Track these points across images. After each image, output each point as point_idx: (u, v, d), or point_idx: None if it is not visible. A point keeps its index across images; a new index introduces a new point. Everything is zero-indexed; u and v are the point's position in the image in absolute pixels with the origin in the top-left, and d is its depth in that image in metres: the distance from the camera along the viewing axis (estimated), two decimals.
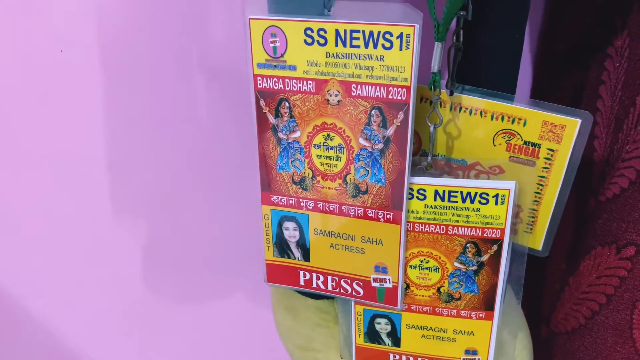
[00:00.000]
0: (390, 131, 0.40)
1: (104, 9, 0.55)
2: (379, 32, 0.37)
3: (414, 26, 0.36)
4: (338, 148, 0.43)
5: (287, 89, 0.42)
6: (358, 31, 0.38)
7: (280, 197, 0.46)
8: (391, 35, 0.37)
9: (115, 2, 0.55)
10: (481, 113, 0.39)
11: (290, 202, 0.46)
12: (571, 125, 0.36)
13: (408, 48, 0.37)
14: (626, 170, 0.43)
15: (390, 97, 0.39)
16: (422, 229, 0.42)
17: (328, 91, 0.41)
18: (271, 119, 0.43)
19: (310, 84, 0.41)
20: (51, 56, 0.58)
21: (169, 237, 0.69)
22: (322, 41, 0.39)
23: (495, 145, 0.40)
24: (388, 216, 0.43)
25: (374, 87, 0.39)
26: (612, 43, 0.47)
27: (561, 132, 0.36)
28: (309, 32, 0.39)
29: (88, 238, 0.68)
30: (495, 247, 0.41)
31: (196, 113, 0.61)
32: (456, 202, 0.40)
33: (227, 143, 0.62)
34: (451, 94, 0.39)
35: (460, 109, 0.40)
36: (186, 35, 0.56)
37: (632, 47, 0.44)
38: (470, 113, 0.40)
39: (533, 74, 0.55)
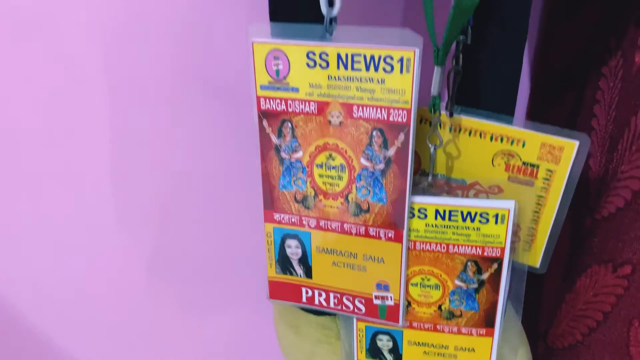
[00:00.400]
0: (391, 152, 0.41)
1: (108, 27, 0.56)
2: (379, 56, 0.38)
3: (414, 50, 0.37)
4: (340, 168, 0.43)
5: (289, 110, 0.43)
6: (359, 55, 0.39)
7: (283, 215, 0.46)
8: (392, 59, 0.38)
9: (118, 20, 0.56)
10: (480, 134, 0.40)
11: (293, 220, 0.46)
12: (569, 147, 0.37)
13: (408, 72, 0.38)
14: (622, 190, 0.43)
15: (391, 119, 0.40)
16: (423, 247, 0.43)
17: (330, 112, 0.42)
18: (274, 139, 0.44)
19: (312, 106, 0.42)
20: (55, 72, 0.58)
21: (171, 252, 0.69)
22: (324, 64, 0.40)
23: (494, 166, 0.40)
24: (389, 235, 0.43)
25: (375, 109, 0.40)
26: (606, 63, 0.48)
27: (559, 154, 0.37)
28: (311, 55, 0.40)
29: (91, 250, 0.68)
30: (495, 266, 0.42)
31: (199, 130, 0.62)
32: (457, 221, 0.41)
33: (230, 160, 0.63)
34: (451, 115, 0.40)
35: (460, 129, 0.41)
36: (190, 53, 0.57)
37: (626, 68, 0.46)
38: (470, 134, 0.40)
39: (530, 92, 0.56)
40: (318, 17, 0.39)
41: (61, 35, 0.57)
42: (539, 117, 0.56)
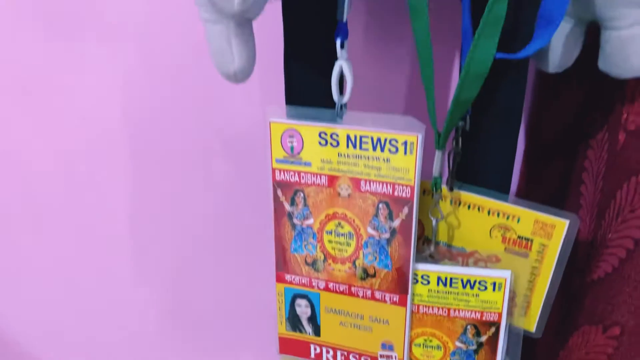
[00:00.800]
0: (396, 223, 0.44)
1: (129, 95, 0.60)
2: (385, 139, 0.42)
3: (417, 135, 0.41)
4: (348, 235, 0.47)
5: (302, 181, 0.46)
6: (367, 136, 0.43)
7: (293, 277, 0.50)
8: (397, 141, 0.42)
9: (140, 89, 0.60)
10: (478, 208, 0.43)
11: (303, 281, 0.49)
12: (560, 226, 0.40)
13: (412, 153, 0.42)
14: (609, 257, 0.47)
15: (396, 194, 0.43)
16: (426, 311, 0.46)
17: (339, 185, 0.45)
18: (287, 207, 0.47)
19: (323, 179, 0.45)
20: (78, 130, 0.62)
21: (183, 305, 0.72)
22: (334, 143, 0.44)
23: (492, 237, 0.44)
24: (394, 299, 0.46)
25: (381, 184, 0.44)
26: (593, 136, 0.52)
27: (551, 230, 0.41)
28: (323, 135, 0.44)
29: (108, 299, 0.70)
30: (493, 329, 0.45)
31: (217, 193, 0.65)
32: (457, 287, 0.44)
33: (244, 223, 0.66)
34: (451, 190, 0.44)
35: (460, 203, 0.44)
36: (208, 122, 0.61)
37: (611, 142, 0.49)
38: (469, 207, 0.44)
39: (523, 158, 0.60)
40: (329, 103, 0.43)
41: (84, 94, 0.60)
42: (532, 182, 0.59)
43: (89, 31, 0.57)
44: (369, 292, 0.47)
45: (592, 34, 0.42)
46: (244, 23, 0.38)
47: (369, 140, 0.43)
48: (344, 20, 0.39)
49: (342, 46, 0.41)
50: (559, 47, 0.41)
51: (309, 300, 0.50)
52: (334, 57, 0.41)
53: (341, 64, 0.41)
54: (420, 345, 0.47)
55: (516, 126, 0.42)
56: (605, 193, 0.49)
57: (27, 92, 0.60)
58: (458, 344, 0.46)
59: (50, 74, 0.59)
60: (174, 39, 0.57)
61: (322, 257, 0.48)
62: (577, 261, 0.52)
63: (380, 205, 0.44)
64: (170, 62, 0.58)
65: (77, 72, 0.59)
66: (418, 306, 0.46)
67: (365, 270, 0.47)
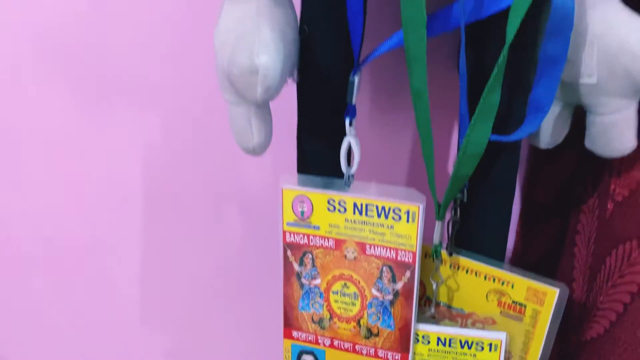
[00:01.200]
0: (399, 285, 0.47)
1: (150, 160, 0.64)
2: (390, 208, 0.45)
3: (419, 206, 0.44)
4: (353, 295, 0.49)
5: (311, 244, 0.49)
6: (372, 205, 0.46)
7: (300, 333, 0.52)
8: (400, 210, 0.45)
9: (161, 155, 0.64)
10: (476, 273, 0.46)
11: (309, 338, 0.52)
12: (551, 294, 0.43)
13: (414, 222, 0.45)
14: (601, 319, 0.49)
15: (399, 258, 0.46)
16: None
17: (346, 248, 0.48)
18: (296, 267, 0.50)
19: (331, 242, 0.49)
20: (99, 193, 0.66)
21: (192, 359, 0.74)
22: (342, 210, 0.47)
23: (488, 300, 0.47)
24: (396, 357, 0.49)
25: (385, 249, 0.47)
26: (585, 201, 0.55)
27: (543, 297, 0.43)
28: (331, 202, 0.47)
29: (112, 342, 0.73)
30: None
31: (228, 253, 0.69)
32: (456, 347, 0.47)
33: (252, 278, 0.70)
34: (451, 255, 0.47)
35: (459, 267, 0.47)
36: (225, 183, 0.65)
37: (601, 209, 0.53)
38: (467, 272, 0.47)
39: (519, 218, 0.63)
40: (338, 173, 0.46)
41: (105, 158, 0.64)
42: (527, 242, 0.63)
43: (112, 97, 0.61)
44: (372, 351, 0.50)
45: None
46: (263, 105, 0.42)
47: (374, 209, 0.46)
48: (353, 103, 0.43)
49: (350, 124, 0.45)
50: (548, 128, 0.45)
51: (315, 357, 0.52)
52: (342, 133, 0.45)
53: (349, 140, 0.45)
54: None
55: (510, 197, 0.45)
56: (597, 257, 0.52)
57: (50, 154, 0.64)
58: None
59: (75, 138, 0.63)
60: (195, 111, 0.61)
61: (328, 315, 0.51)
62: (572, 320, 0.55)
63: (384, 269, 0.47)
64: (191, 129, 0.62)
65: (100, 137, 0.63)
66: None
67: (369, 330, 0.49)
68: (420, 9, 0.37)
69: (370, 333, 0.50)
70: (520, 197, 0.61)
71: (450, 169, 0.60)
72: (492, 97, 0.39)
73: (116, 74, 0.60)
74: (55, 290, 0.70)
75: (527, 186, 0.61)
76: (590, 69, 0.40)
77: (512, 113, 0.42)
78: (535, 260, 0.63)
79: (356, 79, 0.43)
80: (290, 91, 0.47)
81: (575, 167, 0.56)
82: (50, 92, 0.61)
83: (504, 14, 0.39)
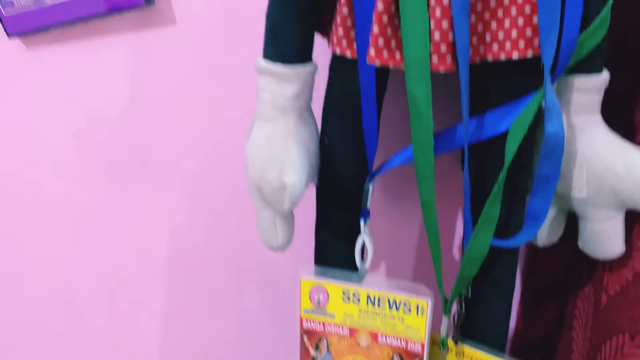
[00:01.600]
0: None
1: (175, 238, 0.68)
2: (401, 301, 0.49)
3: (427, 300, 0.48)
4: None
5: (326, 331, 0.53)
6: (384, 297, 0.50)
7: None
8: (409, 304, 0.49)
9: (187, 235, 0.68)
10: None
11: None
12: None
13: (423, 315, 0.49)
14: None
15: (408, 348, 0.50)
16: None
17: (359, 336, 0.52)
18: (312, 351, 0.54)
19: (345, 330, 0.52)
20: (125, 263, 0.70)
21: None
22: (356, 301, 0.51)
23: None
24: None
25: (396, 339, 0.51)
26: (582, 288, 0.59)
27: None
28: (346, 293, 0.51)
29: None
30: None
31: (246, 336, 0.73)
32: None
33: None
34: (456, 343, 0.51)
35: (464, 355, 0.51)
36: (244, 271, 0.70)
37: (596, 298, 0.56)
38: None
39: (520, 301, 0.67)
40: (352, 266, 0.51)
41: (133, 235, 0.69)
42: (527, 324, 0.66)
43: (144, 182, 0.66)
44: None
45: None
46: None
47: (386, 301, 0.50)
48: (367, 207, 0.48)
49: (365, 223, 0.49)
50: (545, 230, 0.49)
51: None
52: (356, 230, 0.50)
53: (364, 238, 0.49)
54: None
55: (510, 293, 0.49)
56: (593, 344, 0.55)
57: (80, 232, 0.69)
58: None
59: (105, 217, 0.68)
60: (220, 197, 0.66)
61: None
62: None
63: (395, 357, 0.51)
64: (215, 214, 0.67)
65: (128, 216, 0.68)
66: None
67: None
68: (428, 134, 0.42)
69: None
70: (521, 280, 0.65)
71: (456, 261, 0.65)
72: (492, 209, 0.44)
73: (150, 161, 0.66)
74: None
75: (527, 271, 0.65)
76: (580, 185, 0.45)
77: (510, 222, 0.46)
78: (536, 340, 0.66)
79: (370, 187, 0.48)
80: (310, 190, 0.52)
81: (570, 261, 0.60)
82: (89, 181, 0.66)
83: (503, 136, 0.44)
